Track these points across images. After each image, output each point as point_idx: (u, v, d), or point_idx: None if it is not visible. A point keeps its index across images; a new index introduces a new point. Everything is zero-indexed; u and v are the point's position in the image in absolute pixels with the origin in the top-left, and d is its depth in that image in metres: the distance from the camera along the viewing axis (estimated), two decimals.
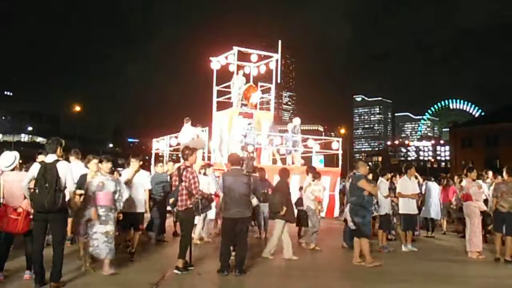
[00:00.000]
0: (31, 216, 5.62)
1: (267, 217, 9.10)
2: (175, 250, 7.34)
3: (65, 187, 5.37)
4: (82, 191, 6.22)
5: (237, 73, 15.96)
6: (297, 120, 15.72)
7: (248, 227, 7.01)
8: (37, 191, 5.23)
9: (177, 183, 6.60)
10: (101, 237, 6.06)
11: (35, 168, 5.38)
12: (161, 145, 17.94)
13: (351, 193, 7.75)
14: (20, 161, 6.25)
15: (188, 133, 14.97)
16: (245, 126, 14.30)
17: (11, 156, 5.97)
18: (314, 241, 8.84)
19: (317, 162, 16.31)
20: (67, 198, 5.44)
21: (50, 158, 5.46)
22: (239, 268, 6.49)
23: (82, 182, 6.39)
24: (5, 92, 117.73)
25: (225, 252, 6.60)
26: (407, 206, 8.97)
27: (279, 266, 7.42)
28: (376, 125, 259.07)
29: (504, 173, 8.22)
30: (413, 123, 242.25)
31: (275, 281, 6.67)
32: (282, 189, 7.94)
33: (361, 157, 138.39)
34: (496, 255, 7.97)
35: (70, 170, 5.56)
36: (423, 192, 11.68)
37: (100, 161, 6.56)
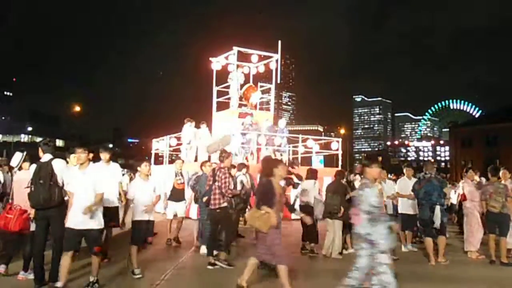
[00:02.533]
0: (30, 216, 5.67)
1: None
2: (175, 250, 7.39)
3: (63, 184, 5.44)
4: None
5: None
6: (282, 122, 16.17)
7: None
8: (32, 188, 5.33)
9: (211, 183, 7.05)
10: (388, 270, 4.60)
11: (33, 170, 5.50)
12: (161, 145, 17.96)
13: (439, 196, 7.55)
14: (29, 163, 6.31)
15: (188, 133, 14.99)
16: (239, 126, 14.34)
17: (18, 156, 6.20)
18: None
19: (317, 162, 16.33)
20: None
21: (45, 157, 5.54)
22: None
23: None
24: (5, 92, 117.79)
25: None
26: (406, 206, 8.99)
27: None
28: (376, 125, 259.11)
29: (489, 174, 8.26)
30: (413, 123, 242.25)
31: (275, 280, 6.67)
32: (340, 190, 8.13)
33: (361, 157, 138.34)
34: (491, 257, 7.94)
35: (66, 168, 5.63)
36: None
37: (365, 165, 4.97)
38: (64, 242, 5.30)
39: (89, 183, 5.32)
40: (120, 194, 7.35)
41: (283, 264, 5.17)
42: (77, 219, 5.20)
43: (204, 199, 7.28)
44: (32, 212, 5.60)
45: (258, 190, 5.62)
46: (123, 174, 21.33)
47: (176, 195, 8.98)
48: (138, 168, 6.52)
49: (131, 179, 20.25)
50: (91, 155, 6.77)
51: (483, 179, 11.43)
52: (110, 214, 6.88)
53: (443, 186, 7.70)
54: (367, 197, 4.60)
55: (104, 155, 7.16)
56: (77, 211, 5.20)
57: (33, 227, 5.69)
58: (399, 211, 9.15)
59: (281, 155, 15.25)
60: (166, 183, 9.00)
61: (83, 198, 5.23)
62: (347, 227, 8.64)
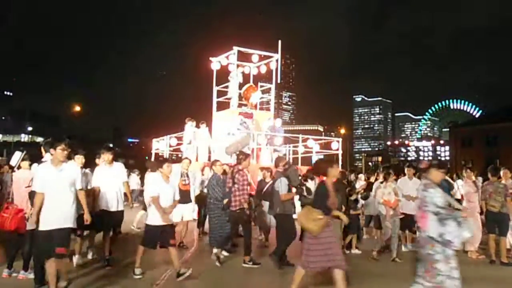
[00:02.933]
0: (26, 215, 5.67)
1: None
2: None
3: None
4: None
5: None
6: (278, 121, 15.90)
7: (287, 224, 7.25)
8: None
9: (230, 185, 7.18)
10: (458, 275, 4.50)
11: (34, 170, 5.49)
12: (161, 145, 17.94)
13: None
14: (30, 162, 6.27)
15: (188, 133, 14.98)
16: (236, 125, 14.34)
17: (17, 155, 6.21)
18: (378, 247, 8.21)
19: None
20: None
21: (47, 157, 5.54)
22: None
23: None
24: (5, 92, 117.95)
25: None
26: (406, 206, 8.98)
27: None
28: (376, 125, 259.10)
29: (489, 174, 8.25)
30: (413, 123, 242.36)
31: (276, 280, 6.68)
32: (341, 190, 8.12)
33: (361, 157, 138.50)
34: (491, 257, 7.95)
35: None
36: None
37: (434, 166, 4.77)
38: (39, 248, 5.01)
39: (65, 182, 5.00)
40: (126, 195, 7.03)
41: (342, 268, 4.89)
42: (51, 219, 4.90)
43: (225, 201, 7.43)
44: (28, 211, 5.60)
45: (315, 192, 5.33)
46: (132, 174, 21.31)
47: (182, 197, 8.22)
48: (160, 169, 6.28)
49: (141, 178, 20.09)
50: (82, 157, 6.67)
51: (480, 179, 11.44)
52: (114, 219, 6.71)
53: (451, 188, 7.80)
54: (432, 198, 4.48)
55: (107, 156, 6.83)
56: (50, 211, 4.88)
57: (29, 226, 5.67)
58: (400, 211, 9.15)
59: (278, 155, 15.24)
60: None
61: (59, 198, 4.93)
62: (350, 228, 8.66)
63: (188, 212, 8.80)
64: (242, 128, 14.38)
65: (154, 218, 6.08)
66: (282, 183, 7.11)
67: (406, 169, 9.49)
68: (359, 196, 9.17)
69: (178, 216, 8.59)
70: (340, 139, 16.73)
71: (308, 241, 4.97)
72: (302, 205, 8.56)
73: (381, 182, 8.45)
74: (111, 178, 6.78)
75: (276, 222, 7.39)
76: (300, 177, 8.44)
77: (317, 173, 5.27)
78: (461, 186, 10.38)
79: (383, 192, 8.24)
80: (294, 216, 7.38)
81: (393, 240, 7.97)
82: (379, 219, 8.84)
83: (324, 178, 5.34)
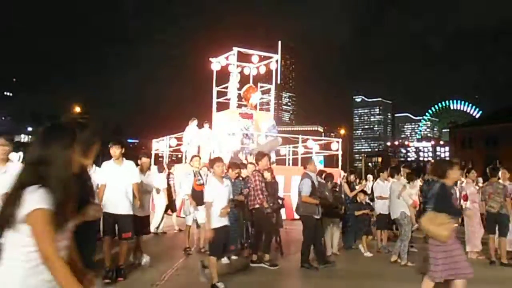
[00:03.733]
0: None
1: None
2: (176, 250, 7.34)
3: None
4: None
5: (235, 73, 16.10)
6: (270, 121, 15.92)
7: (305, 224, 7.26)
8: None
9: (249, 185, 7.42)
10: None
11: None
12: (161, 145, 17.97)
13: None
14: None
15: (189, 134, 15.00)
16: (236, 125, 14.38)
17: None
18: (405, 255, 7.57)
19: (317, 162, 16.35)
20: None
21: None
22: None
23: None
24: (5, 93, 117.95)
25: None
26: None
27: (283, 267, 7.40)
28: (376, 125, 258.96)
29: (488, 174, 8.25)
30: (413, 123, 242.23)
31: (274, 281, 6.68)
32: (340, 190, 8.30)
33: (361, 158, 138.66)
34: (491, 257, 7.95)
35: None
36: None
37: None
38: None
39: (7, 186, 4.32)
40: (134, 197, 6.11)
41: (469, 277, 4.52)
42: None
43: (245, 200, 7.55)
44: None
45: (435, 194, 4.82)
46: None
47: (197, 198, 7.57)
48: (211, 169, 5.90)
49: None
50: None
51: (480, 180, 11.41)
52: (120, 223, 5.87)
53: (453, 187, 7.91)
54: None
55: (113, 150, 5.85)
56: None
57: None
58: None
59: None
60: (181, 184, 8.50)
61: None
62: (352, 227, 8.71)
63: (203, 215, 8.33)
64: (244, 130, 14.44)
65: (214, 221, 5.62)
66: (304, 184, 7.13)
67: (402, 170, 9.48)
68: (367, 197, 9.26)
69: (190, 219, 8.05)
70: (340, 140, 16.78)
71: (434, 249, 4.53)
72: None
73: (408, 182, 8.33)
74: (118, 177, 5.88)
75: (302, 222, 7.39)
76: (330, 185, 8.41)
77: (435, 174, 4.88)
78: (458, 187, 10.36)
79: (411, 192, 8.02)
80: (316, 217, 7.27)
81: (405, 242, 7.71)
82: (387, 220, 8.73)
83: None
